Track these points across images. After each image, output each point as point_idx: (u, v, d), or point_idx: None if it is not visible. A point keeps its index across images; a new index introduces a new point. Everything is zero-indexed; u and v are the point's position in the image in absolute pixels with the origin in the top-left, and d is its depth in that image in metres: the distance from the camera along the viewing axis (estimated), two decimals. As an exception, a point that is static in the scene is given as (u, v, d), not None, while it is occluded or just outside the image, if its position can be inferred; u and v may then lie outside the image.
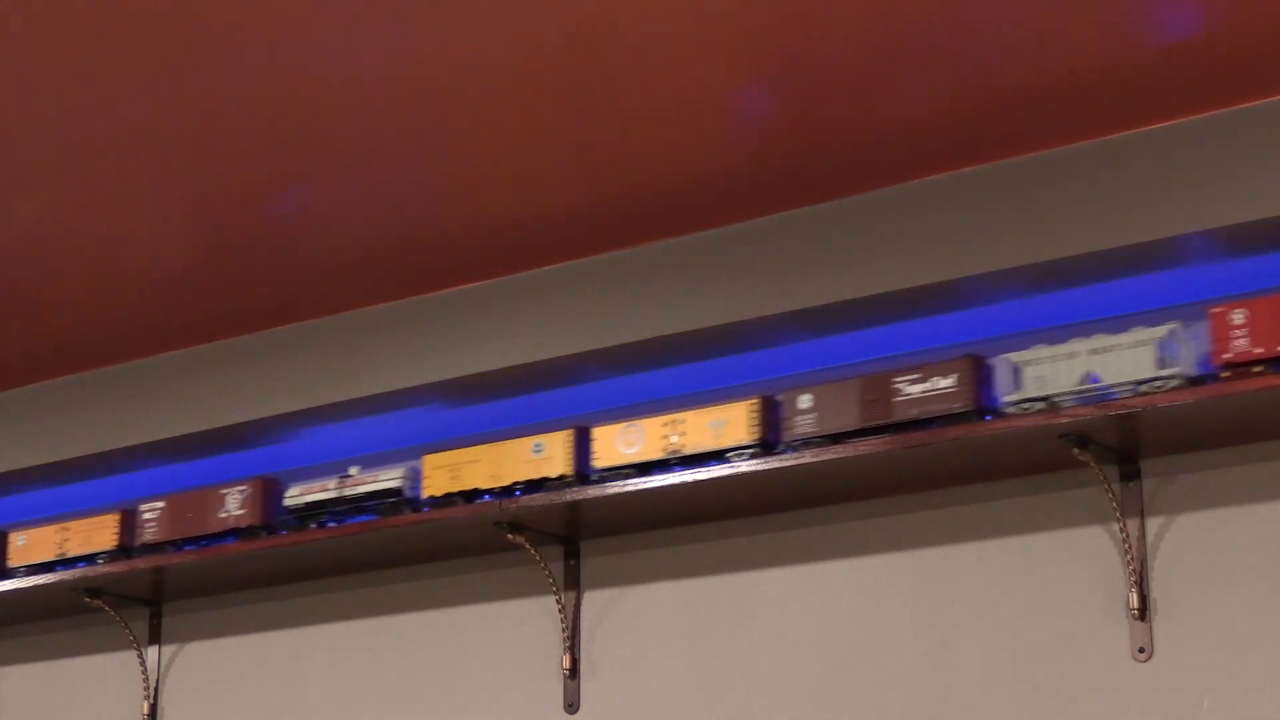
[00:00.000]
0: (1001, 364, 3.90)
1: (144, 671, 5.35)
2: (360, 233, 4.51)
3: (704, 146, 4.02)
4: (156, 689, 5.36)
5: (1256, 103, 3.80)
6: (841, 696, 4.22)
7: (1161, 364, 3.71)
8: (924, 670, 4.13)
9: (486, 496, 4.47)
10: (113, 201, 4.35)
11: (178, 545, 4.97)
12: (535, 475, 4.40)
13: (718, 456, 4.15)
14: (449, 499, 4.53)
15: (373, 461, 4.85)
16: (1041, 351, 3.84)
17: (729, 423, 4.15)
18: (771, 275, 4.28)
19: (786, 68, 3.72)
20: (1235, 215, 3.76)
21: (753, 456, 4.10)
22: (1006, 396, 3.86)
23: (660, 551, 4.55)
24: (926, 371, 3.92)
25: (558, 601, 4.60)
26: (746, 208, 4.30)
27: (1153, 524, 3.92)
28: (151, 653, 5.37)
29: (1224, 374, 3.64)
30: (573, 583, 4.63)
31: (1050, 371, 3.81)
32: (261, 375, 5.05)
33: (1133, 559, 3.90)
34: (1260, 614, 3.78)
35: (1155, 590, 3.89)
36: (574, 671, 4.58)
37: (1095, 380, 3.76)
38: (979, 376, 3.89)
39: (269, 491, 4.87)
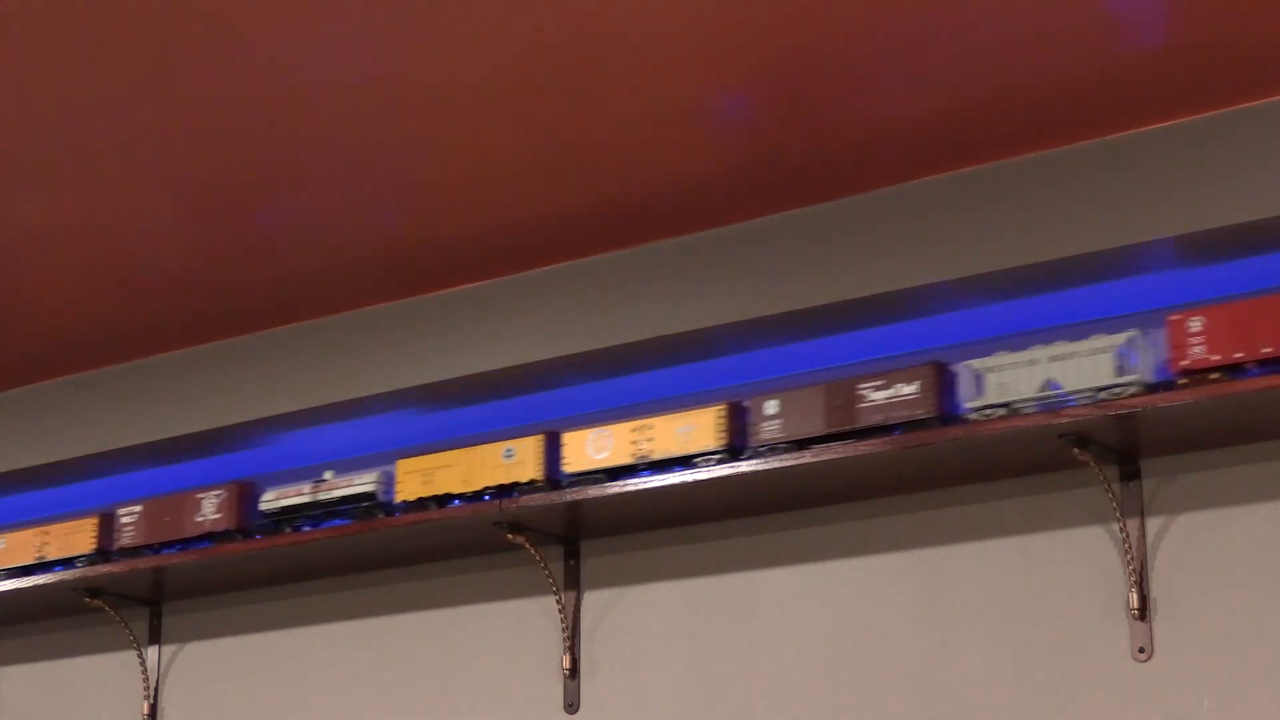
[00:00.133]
0: (964, 371, 3.94)
1: (144, 671, 5.35)
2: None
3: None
4: (156, 689, 5.36)
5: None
6: (841, 696, 4.22)
7: (1120, 371, 3.75)
8: (924, 670, 4.13)
9: (457, 501, 4.52)
10: (110, 203, 4.37)
11: (155, 549, 5.02)
12: (506, 480, 4.45)
13: (686, 461, 4.20)
14: (421, 503, 4.57)
15: (349, 466, 4.88)
16: (1003, 358, 3.88)
17: (697, 428, 4.20)
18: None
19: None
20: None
21: (720, 462, 4.15)
22: (969, 403, 3.90)
23: (660, 551, 4.55)
24: (890, 378, 3.97)
25: (558, 601, 4.61)
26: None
27: (1153, 524, 3.93)
28: (151, 653, 5.37)
29: (1181, 381, 3.68)
30: (573, 583, 4.63)
31: (1011, 378, 3.85)
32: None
33: (1133, 559, 3.90)
34: (1260, 614, 3.78)
35: (1155, 590, 3.90)
36: (574, 671, 4.58)
37: (1055, 387, 3.80)
38: (942, 383, 3.94)
39: (245, 495, 4.91)
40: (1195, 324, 3.68)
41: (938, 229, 4.09)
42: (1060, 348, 3.82)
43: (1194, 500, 3.90)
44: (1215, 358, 3.64)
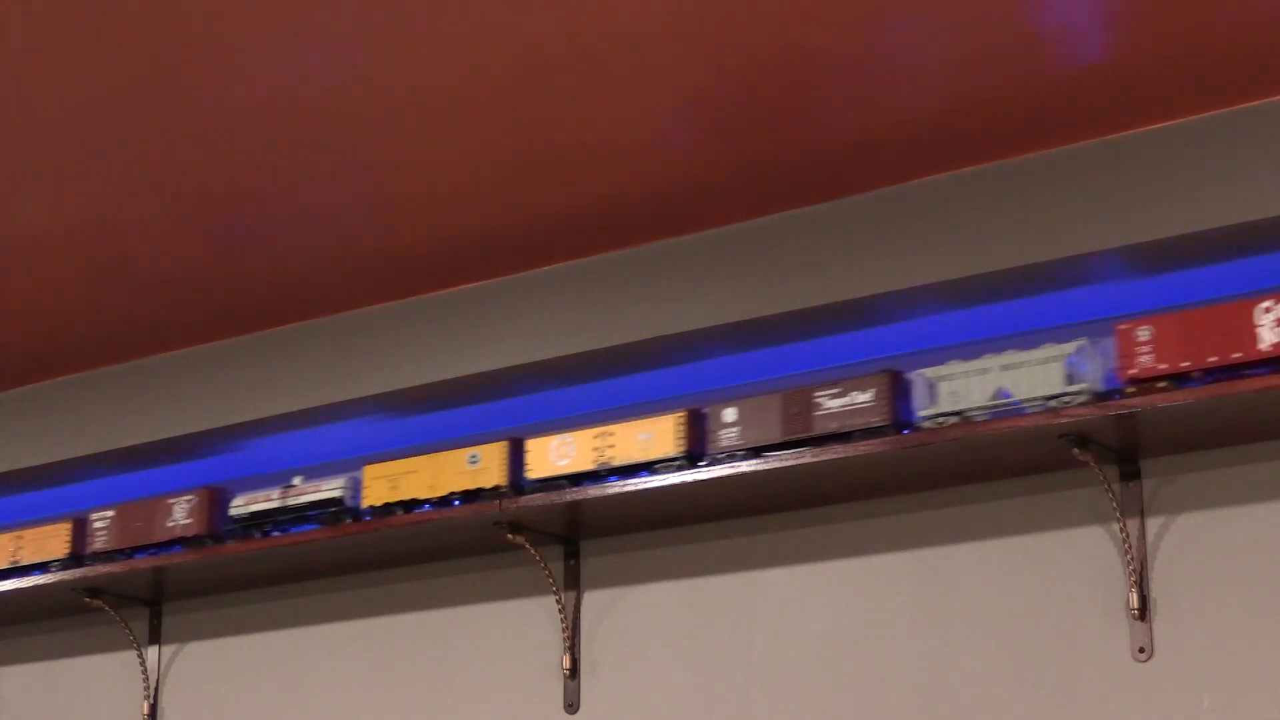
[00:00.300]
0: (918, 379, 3.99)
1: (144, 671, 5.35)
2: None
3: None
4: (156, 689, 5.36)
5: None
6: (841, 696, 4.22)
7: (1070, 380, 3.79)
8: (924, 670, 4.13)
9: (426, 506, 4.58)
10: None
11: (127, 553, 5.07)
12: (471, 485, 4.52)
13: (646, 468, 4.28)
14: (388, 508, 4.63)
15: (318, 472, 4.94)
16: (956, 367, 3.93)
17: (657, 435, 4.27)
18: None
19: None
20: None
21: (679, 468, 4.21)
22: (922, 411, 3.95)
23: (660, 551, 4.55)
24: (846, 386, 4.04)
25: (558, 601, 4.61)
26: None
27: (1153, 524, 3.93)
28: (151, 653, 5.37)
29: (1129, 390, 3.72)
30: (573, 583, 4.63)
31: (964, 386, 3.90)
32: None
33: (1133, 559, 3.90)
34: (1260, 614, 3.78)
35: (1155, 590, 3.90)
36: (574, 671, 4.59)
37: (1006, 395, 3.85)
38: (896, 391, 4.00)
39: (215, 501, 4.98)
40: (1143, 333, 3.73)
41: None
42: (1011, 357, 3.87)
43: (1194, 500, 3.90)
44: (1163, 366, 3.70)
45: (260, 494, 4.87)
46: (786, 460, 4.06)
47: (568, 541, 4.64)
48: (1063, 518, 4.03)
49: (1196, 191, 3.81)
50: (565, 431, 4.42)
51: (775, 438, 4.10)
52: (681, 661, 4.46)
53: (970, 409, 3.87)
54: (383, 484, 4.64)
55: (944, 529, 4.18)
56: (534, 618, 4.69)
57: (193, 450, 5.26)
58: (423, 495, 4.57)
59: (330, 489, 4.75)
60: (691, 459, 4.22)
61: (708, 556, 4.48)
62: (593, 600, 4.62)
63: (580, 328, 4.52)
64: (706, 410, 4.24)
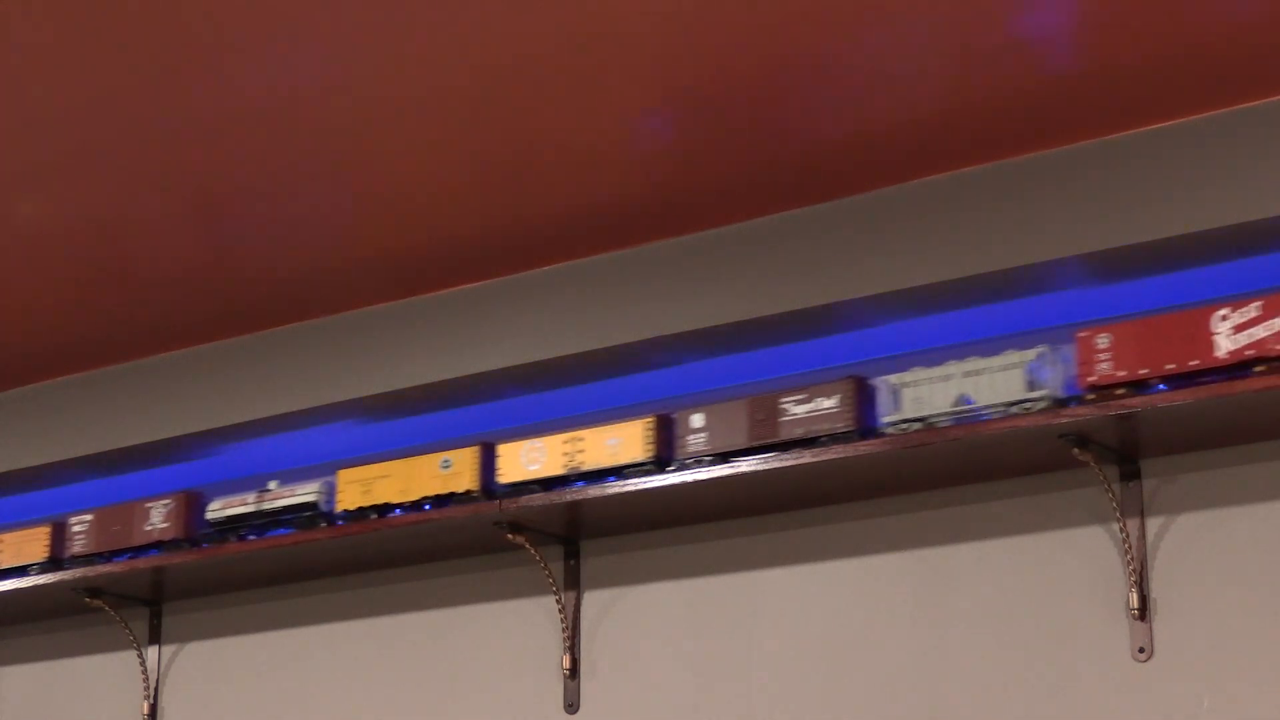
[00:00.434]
0: (882, 385, 4.02)
1: (144, 671, 5.35)
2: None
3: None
4: (156, 689, 5.36)
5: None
6: (841, 696, 4.22)
7: (1031, 386, 3.83)
8: (924, 670, 4.13)
9: (398, 511, 4.63)
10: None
11: (105, 557, 5.12)
12: (443, 490, 4.57)
13: (615, 472, 4.32)
14: (361, 512, 4.67)
15: (293, 476, 4.98)
16: (919, 374, 3.96)
17: (625, 440, 4.32)
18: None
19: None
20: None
21: (647, 473, 4.25)
22: (886, 417, 3.99)
23: (660, 551, 4.55)
24: (811, 392, 4.08)
25: (558, 601, 4.61)
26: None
27: (1153, 524, 3.93)
28: (151, 653, 5.37)
29: (1089, 396, 3.76)
30: (573, 583, 4.63)
31: (927, 393, 3.94)
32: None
33: (1133, 559, 3.90)
34: (1260, 614, 3.78)
35: (1155, 590, 3.90)
36: (574, 671, 4.59)
37: (969, 402, 3.89)
38: (861, 397, 4.05)
39: (191, 505, 5.02)
40: (1103, 340, 3.77)
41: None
42: (973, 363, 3.91)
43: (1194, 500, 3.90)
44: (1121, 374, 3.74)
45: (236, 498, 4.93)
46: (787, 460, 4.06)
47: (568, 541, 4.64)
48: (1063, 518, 4.03)
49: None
50: (536, 436, 4.47)
51: (742, 443, 4.15)
52: (681, 661, 4.46)
53: (933, 415, 3.92)
54: (356, 488, 4.69)
55: (944, 529, 4.18)
56: (534, 618, 4.69)
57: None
58: (395, 500, 4.63)
59: (305, 493, 4.81)
60: (660, 464, 4.27)
61: (708, 556, 4.48)
62: (593, 600, 4.62)
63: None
64: (675, 415, 4.29)
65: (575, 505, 4.37)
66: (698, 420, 4.22)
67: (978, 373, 3.88)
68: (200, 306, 4.95)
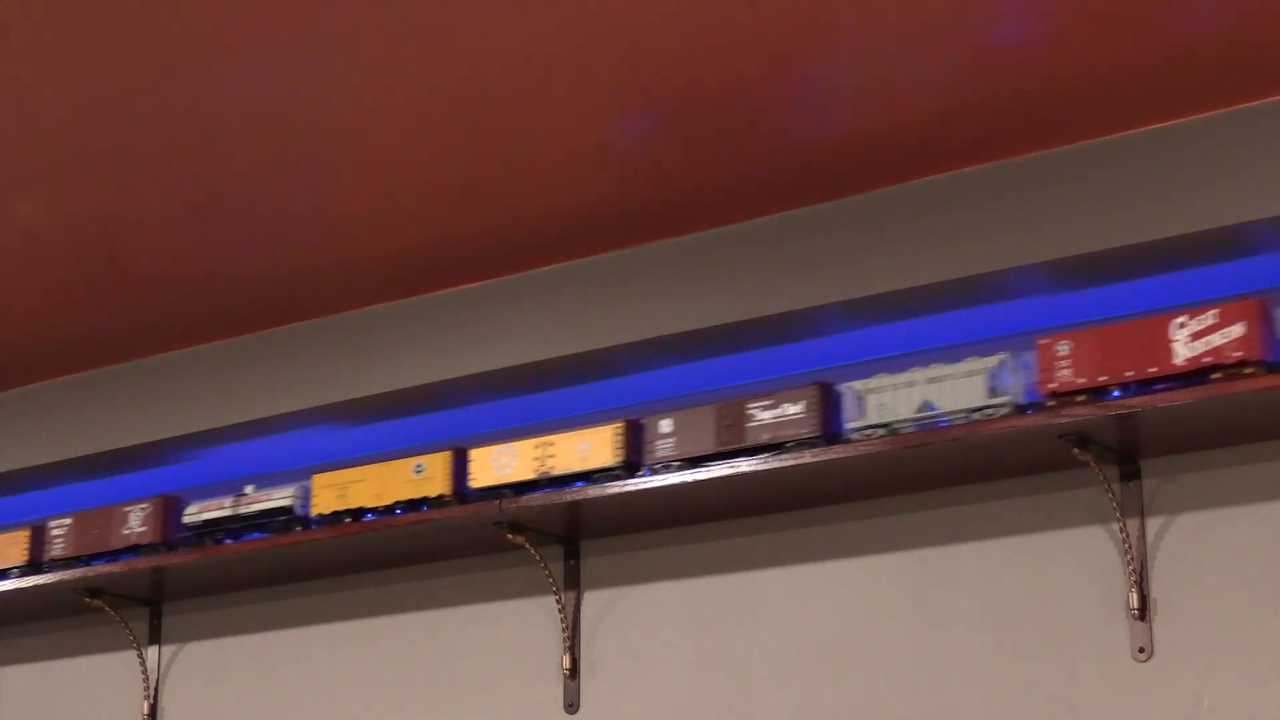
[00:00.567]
0: (848, 392, 4.07)
1: (144, 671, 5.35)
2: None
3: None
4: (156, 689, 5.36)
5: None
6: (841, 696, 4.22)
7: (992, 393, 3.86)
8: (924, 670, 4.13)
9: (370, 515, 4.67)
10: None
11: (84, 561, 5.15)
12: (416, 495, 4.61)
13: (585, 477, 4.36)
14: (336, 516, 4.71)
15: (270, 480, 5.01)
16: (883, 380, 4.01)
17: (595, 445, 4.36)
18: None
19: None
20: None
21: (616, 478, 4.29)
22: (851, 423, 4.03)
23: (660, 551, 4.56)
24: (778, 398, 4.12)
25: (558, 601, 4.61)
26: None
27: (1153, 524, 3.93)
28: (151, 653, 5.37)
29: (1050, 403, 3.80)
30: (573, 583, 4.64)
31: (891, 399, 3.98)
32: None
33: (1133, 559, 3.90)
34: (1260, 614, 3.78)
35: (1155, 590, 3.90)
36: (574, 671, 4.59)
37: (933, 408, 3.92)
38: (827, 403, 4.09)
39: (169, 509, 5.06)
40: (1063, 348, 3.81)
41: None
42: (936, 370, 3.95)
43: (1194, 500, 3.90)
44: (1081, 381, 3.77)
45: (213, 502, 4.96)
46: (787, 460, 4.07)
47: (568, 541, 4.64)
48: (1063, 518, 4.03)
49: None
50: (507, 441, 4.51)
51: (709, 448, 4.18)
52: (681, 661, 4.46)
53: (897, 421, 3.95)
54: (331, 492, 4.73)
55: (944, 529, 4.18)
56: (534, 618, 4.69)
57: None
58: (369, 504, 4.67)
59: (280, 498, 4.84)
60: (629, 468, 4.30)
61: (708, 556, 4.48)
62: (593, 600, 4.62)
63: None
64: (644, 421, 4.32)
65: (575, 505, 4.37)
66: (666, 425, 4.27)
67: (941, 379, 3.93)
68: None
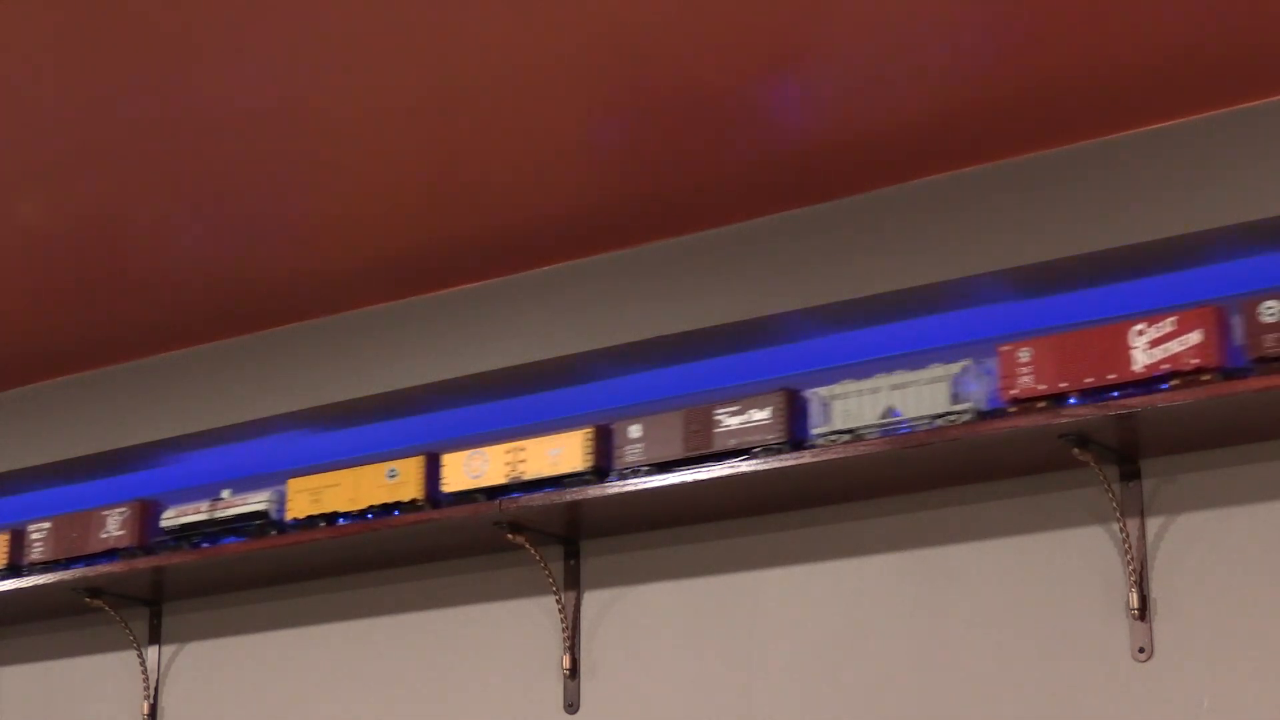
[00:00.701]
0: (813, 397, 4.10)
1: (144, 671, 5.35)
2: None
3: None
4: (156, 689, 5.36)
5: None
6: (841, 696, 4.22)
7: (955, 399, 3.90)
8: (924, 670, 4.13)
9: (343, 520, 4.70)
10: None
11: (63, 564, 5.18)
12: (390, 499, 4.65)
13: (556, 482, 4.39)
14: (310, 520, 4.75)
15: (247, 485, 5.05)
16: (848, 386, 4.04)
17: (566, 450, 4.40)
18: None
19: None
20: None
21: (587, 483, 4.33)
22: (816, 429, 4.06)
23: (660, 551, 4.56)
24: (745, 404, 4.16)
25: (558, 601, 4.61)
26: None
27: (1153, 524, 3.93)
28: (151, 653, 5.37)
29: (1011, 409, 3.83)
30: (573, 583, 4.64)
31: (855, 405, 4.02)
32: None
33: (1133, 559, 3.90)
34: (1260, 614, 3.78)
35: (1155, 590, 3.90)
36: (574, 671, 4.59)
37: (896, 414, 3.97)
38: (793, 409, 4.12)
39: (147, 513, 5.09)
40: (1024, 354, 3.84)
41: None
42: (900, 376, 3.99)
43: (1194, 500, 3.90)
44: (1041, 387, 3.82)
45: (190, 506, 4.99)
46: (787, 461, 4.07)
47: (568, 541, 4.64)
48: (1063, 518, 4.03)
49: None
50: (479, 446, 4.53)
51: (678, 453, 4.22)
52: (682, 661, 4.46)
53: (862, 427, 3.99)
54: (305, 497, 4.77)
55: (944, 529, 4.18)
56: (534, 618, 4.69)
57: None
58: (344, 508, 4.70)
59: (256, 502, 4.87)
60: (599, 473, 4.34)
61: (708, 556, 4.48)
62: (593, 600, 4.62)
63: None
64: (614, 426, 4.35)
65: (575, 505, 4.37)
66: (635, 431, 4.31)
67: (905, 385, 3.96)
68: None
